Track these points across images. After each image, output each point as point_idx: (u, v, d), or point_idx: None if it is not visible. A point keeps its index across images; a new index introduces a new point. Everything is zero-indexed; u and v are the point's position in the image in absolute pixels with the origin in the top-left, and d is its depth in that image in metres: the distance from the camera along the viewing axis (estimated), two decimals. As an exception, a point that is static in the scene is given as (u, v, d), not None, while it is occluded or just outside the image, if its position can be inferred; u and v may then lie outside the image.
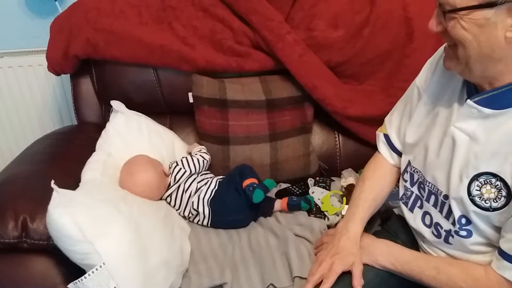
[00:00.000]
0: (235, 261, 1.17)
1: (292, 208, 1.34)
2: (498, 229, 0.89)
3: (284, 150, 1.47)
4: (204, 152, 1.42)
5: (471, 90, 0.91)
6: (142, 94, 1.52)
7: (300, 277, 1.11)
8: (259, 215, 1.35)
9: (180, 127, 1.57)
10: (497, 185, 0.86)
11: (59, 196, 0.97)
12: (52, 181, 0.98)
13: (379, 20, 1.44)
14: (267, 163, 1.46)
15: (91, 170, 1.23)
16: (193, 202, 1.30)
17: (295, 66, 1.43)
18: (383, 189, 1.16)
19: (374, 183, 1.16)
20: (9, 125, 1.91)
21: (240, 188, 1.29)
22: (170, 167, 1.36)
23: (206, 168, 1.42)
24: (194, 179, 1.35)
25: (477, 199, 0.89)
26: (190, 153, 1.44)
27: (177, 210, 1.34)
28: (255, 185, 1.27)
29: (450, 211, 0.95)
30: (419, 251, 1.08)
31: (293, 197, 1.36)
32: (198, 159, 1.38)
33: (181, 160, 1.37)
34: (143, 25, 1.46)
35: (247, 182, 1.29)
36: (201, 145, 1.47)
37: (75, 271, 0.99)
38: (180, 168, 1.35)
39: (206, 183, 1.35)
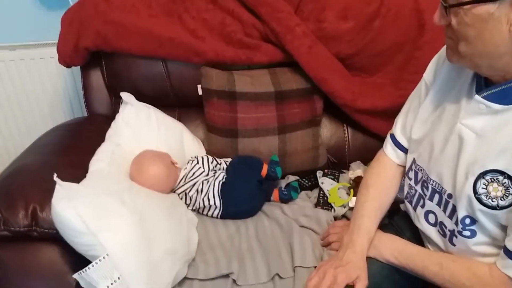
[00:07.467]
0: (242, 252, 1.18)
1: (284, 201, 1.37)
2: (504, 228, 0.87)
3: (292, 142, 1.47)
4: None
5: (480, 85, 0.88)
6: (151, 86, 1.52)
7: (301, 267, 1.11)
8: (264, 200, 1.38)
9: (189, 119, 1.58)
10: (505, 182, 0.84)
11: (62, 189, 0.98)
12: (55, 175, 0.98)
13: (389, 12, 1.42)
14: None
15: (98, 161, 1.24)
16: (203, 198, 1.31)
17: (304, 58, 1.42)
18: (389, 194, 1.14)
19: (379, 190, 1.12)
20: (21, 116, 1.94)
21: (252, 175, 1.33)
22: (189, 162, 1.37)
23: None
24: (206, 177, 1.35)
25: (483, 197, 0.86)
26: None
27: (187, 205, 1.34)
28: (273, 166, 1.36)
29: (453, 211, 0.93)
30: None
31: (283, 189, 1.37)
32: (217, 163, 1.39)
33: (202, 158, 1.38)
34: (153, 18, 1.46)
35: (265, 167, 1.35)
36: (209, 137, 1.47)
37: (83, 260, 1.00)
38: (199, 167, 1.35)
39: (213, 175, 1.35)
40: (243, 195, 1.31)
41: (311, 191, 1.44)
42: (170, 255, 1.08)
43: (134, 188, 1.20)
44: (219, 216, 1.32)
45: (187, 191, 1.33)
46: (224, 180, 1.34)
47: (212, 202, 1.30)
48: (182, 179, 1.34)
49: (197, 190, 1.32)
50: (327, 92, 1.45)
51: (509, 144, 0.82)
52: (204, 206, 1.31)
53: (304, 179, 1.47)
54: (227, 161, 1.43)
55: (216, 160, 1.41)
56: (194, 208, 1.34)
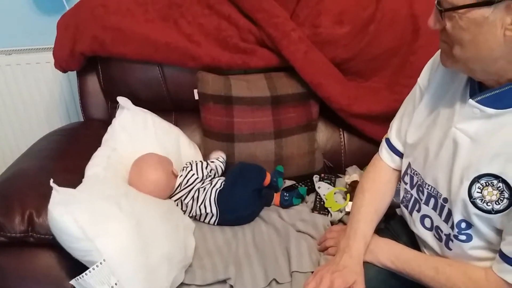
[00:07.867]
0: (239, 257, 1.18)
1: (284, 206, 1.36)
2: (499, 232, 0.87)
3: (289, 147, 1.47)
4: (221, 161, 1.42)
5: (474, 89, 0.88)
6: (147, 91, 1.52)
7: (299, 272, 1.11)
8: (263, 206, 1.37)
9: (185, 124, 1.57)
10: (499, 187, 0.84)
11: (59, 195, 0.98)
12: (51, 180, 0.98)
13: (385, 17, 1.43)
14: (271, 160, 1.46)
15: (95, 166, 1.23)
16: (199, 207, 1.30)
17: (300, 63, 1.43)
18: (384, 199, 1.14)
19: (375, 195, 1.13)
20: (17, 121, 1.93)
21: (252, 183, 1.33)
22: (183, 169, 1.36)
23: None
24: (202, 184, 1.34)
25: (478, 201, 0.87)
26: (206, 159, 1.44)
27: (184, 211, 1.33)
28: (275, 176, 1.40)
29: (449, 215, 0.93)
30: None
31: (285, 194, 1.37)
32: (212, 168, 1.38)
33: (196, 164, 1.37)
34: (149, 23, 1.47)
35: (268, 178, 1.37)
36: (205, 142, 1.47)
37: (80, 265, 0.99)
38: (193, 174, 1.34)
39: (210, 183, 1.34)
40: (240, 202, 1.29)
41: (307, 196, 1.44)
42: (167, 260, 1.08)
43: (131, 193, 1.19)
44: (215, 223, 1.31)
45: (182, 198, 1.32)
46: (221, 187, 1.32)
47: (208, 210, 1.29)
48: (178, 186, 1.33)
49: (193, 198, 1.31)
50: (323, 97, 1.46)
51: (503, 148, 0.83)
52: (201, 214, 1.31)
53: (300, 184, 1.47)
54: (220, 158, 1.42)
55: (210, 165, 1.39)
56: (190, 215, 1.33)
